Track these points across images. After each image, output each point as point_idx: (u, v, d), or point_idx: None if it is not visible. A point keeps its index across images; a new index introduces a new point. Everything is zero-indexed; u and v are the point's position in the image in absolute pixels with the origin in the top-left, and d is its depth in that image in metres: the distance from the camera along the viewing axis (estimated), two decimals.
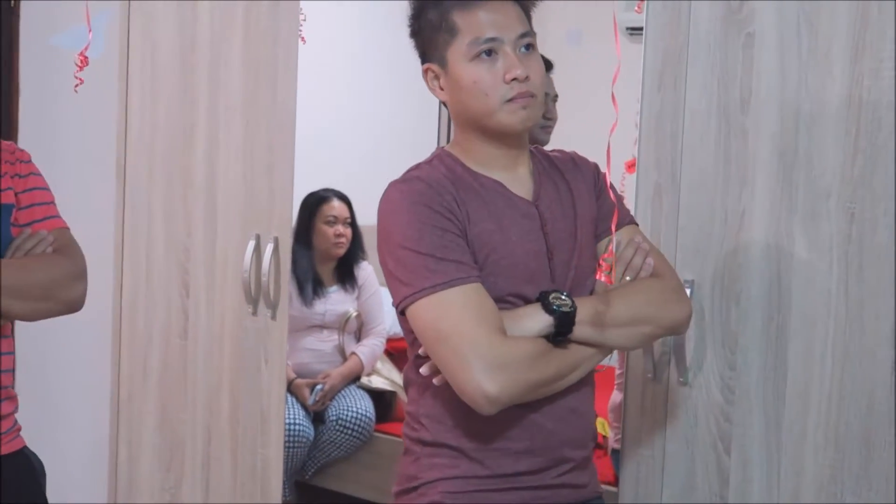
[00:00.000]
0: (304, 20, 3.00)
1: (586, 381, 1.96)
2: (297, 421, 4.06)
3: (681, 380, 2.34)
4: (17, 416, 2.23)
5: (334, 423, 4.19)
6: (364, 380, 4.39)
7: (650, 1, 2.38)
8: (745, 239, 2.25)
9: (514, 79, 1.86)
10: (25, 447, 2.25)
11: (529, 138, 2.90)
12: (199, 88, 3.13)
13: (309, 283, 4.32)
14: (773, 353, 2.22)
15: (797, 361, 2.20)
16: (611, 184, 2.07)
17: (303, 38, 2.97)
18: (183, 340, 3.17)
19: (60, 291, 2.18)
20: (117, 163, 3.29)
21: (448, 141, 4.89)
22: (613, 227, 1.98)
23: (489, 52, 1.87)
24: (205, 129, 3.12)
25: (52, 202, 2.28)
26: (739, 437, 2.28)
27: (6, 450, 2.18)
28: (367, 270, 4.51)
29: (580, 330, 1.84)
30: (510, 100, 1.87)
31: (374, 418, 4.28)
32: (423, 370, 1.88)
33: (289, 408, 4.06)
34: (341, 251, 4.42)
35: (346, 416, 4.20)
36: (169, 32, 3.17)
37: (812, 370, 2.18)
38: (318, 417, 4.24)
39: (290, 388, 4.17)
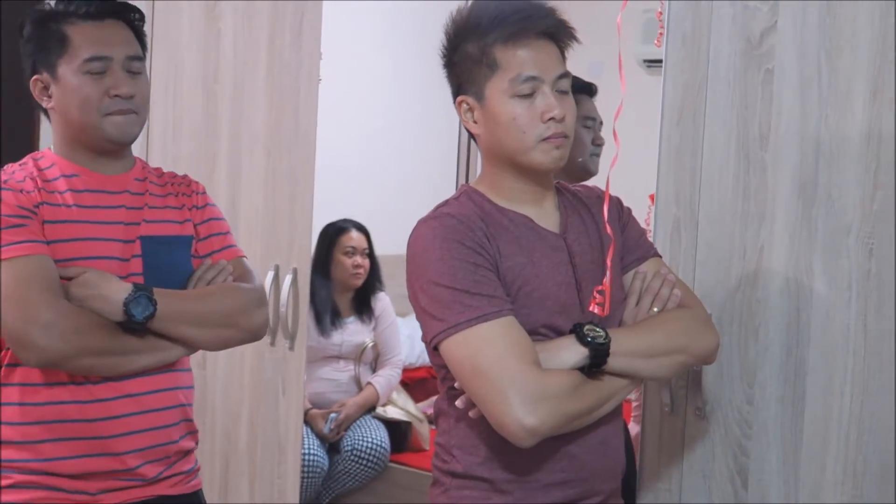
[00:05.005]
0: (322, 58, 3.03)
1: (616, 413, 1.99)
2: (312, 451, 4.07)
3: (698, 413, 2.34)
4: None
5: (349, 453, 4.19)
6: (379, 410, 4.40)
7: (670, 35, 2.39)
8: (763, 274, 2.25)
9: (552, 118, 1.88)
10: (201, 490, 2.31)
11: (581, 168, 2.95)
12: (221, 119, 3.16)
13: (327, 314, 4.34)
14: (792, 388, 2.22)
15: (815, 396, 2.19)
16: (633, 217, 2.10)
17: (320, 77, 3.01)
18: (202, 370, 3.18)
19: (243, 319, 2.23)
20: None
21: (467, 173, 4.97)
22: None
23: (528, 91, 1.88)
24: (226, 160, 3.14)
25: (229, 232, 2.35)
26: (757, 472, 2.27)
27: (185, 490, 2.25)
28: (385, 301, 4.53)
29: (615, 361, 1.86)
30: (545, 139, 1.89)
31: (389, 448, 4.28)
32: (459, 403, 1.89)
33: (304, 438, 4.06)
34: (359, 282, 4.44)
35: (361, 446, 4.20)
36: (193, 63, 3.21)
37: (831, 405, 2.17)
38: (333, 447, 4.24)
39: (306, 418, 4.18)
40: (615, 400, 1.91)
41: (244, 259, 2.34)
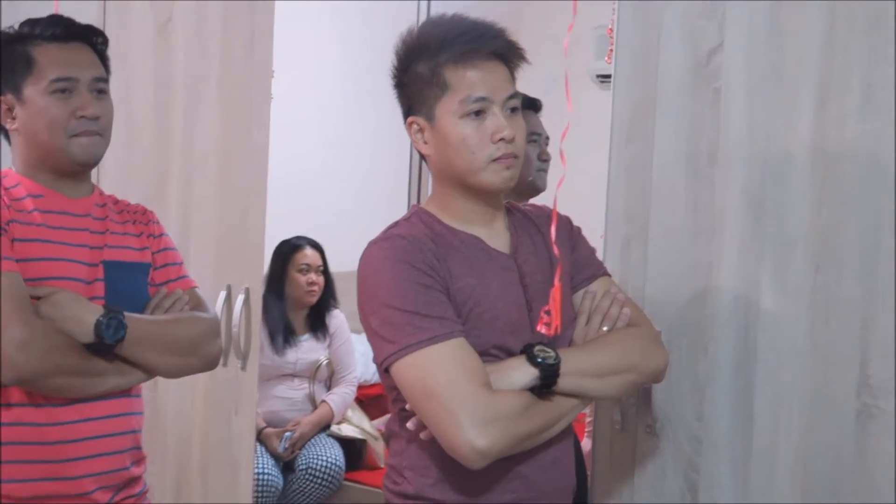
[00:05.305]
0: (274, 76, 3.03)
1: (567, 432, 2.00)
2: (266, 470, 4.05)
3: (648, 430, 2.35)
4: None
5: (304, 471, 4.18)
6: (334, 428, 4.39)
7: (619, 54, 2.41)
8: (713, 290, 2.27)
9: (502, 139, 1.88)
10: None
11: (530, 186, 2.96)
12: (173, 136, 3.14)
13: (280, 332, 4.33)
14: (741, 404, 2.23)
15: (764, 412, 2.21)
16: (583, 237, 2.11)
17: (272, 95, 3.01)
18: (153, 392, 3.15)
19: (202, 348, 2.26)
20: None
21: (419, 190, 4.98)
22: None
23: (478, 112, 1.89)
24: (178, 179, 3.13)
25: (183, 262, 2.38)
26: (707, 488, 2.28)
27: None
28: (339, 318, 4.52)
29: (565, 381, 1.87)
30: (496, 159, 1.89)
31: (343, 467, 4.27)
32: (410, 425, 1.90)
33: (258, 457, 4.04)
34: (314, 299, 4.43)
35: (316, 464, 4.19)
36: (144, 80, 3.19)
37: (779, 421, 2.19)
38: (287, 466, 4.22)
39: (260, 437, 4.16)
40: (566, 420, 1.92)
41: (197, 289, 2.37)
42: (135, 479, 2.25)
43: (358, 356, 4.61)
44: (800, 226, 2.16)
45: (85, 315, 2.05)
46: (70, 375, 2.05)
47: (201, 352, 2.26)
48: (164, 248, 2.34)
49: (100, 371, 2.09)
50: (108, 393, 2.14)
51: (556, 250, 1.99)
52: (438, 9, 4.32)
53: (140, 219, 2.33)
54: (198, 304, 2.32)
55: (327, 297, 4.51)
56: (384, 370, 1.87)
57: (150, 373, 2.19)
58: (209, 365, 2.31)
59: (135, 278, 2.25)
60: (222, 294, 2.99)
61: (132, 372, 2.15)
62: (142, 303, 2.23)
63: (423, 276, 1.85)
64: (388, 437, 2.05)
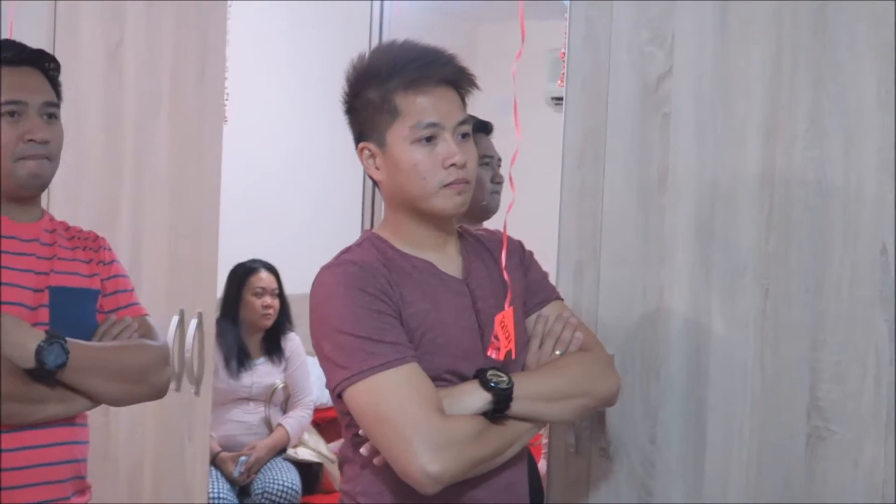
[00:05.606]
0: (227, 98, 3.03)
1: (520, 456, 1.99)
2: (222, 495, 4.02)
3: (602, 453, 2.36)
4: None
5: (260, 496, 4.15)
6: (290, 451, 4.37)
7: (570, 79, 2.42)
8: (664, 314, 2.28)
9: (453, 164, 1.89)
10: None
11: (483, 209, 2.97)
12: (124, 164, 3.12)
13: (235, 356, 4.30)
14: (693, 427, 2.25)
15: (716, 435, 2.22)
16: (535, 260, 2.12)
17: (225, 117, 3.00)
18: (105, 417, 3.12)
19: (151, 376, 2.23)
20: None
21: (373, 212, 4.97)
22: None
23: (429, 138, 1.89)
24: (129, 205, 3.11)
25: (134, 290, 2.35)
26: None
27: None
28: (295, 341, 4.51)
29: (518, 405, 1.87)
30: (447, 185, 1.90)
31: (300, 490, 4.25)
32: (363, 451, 1.89)
33: (213, 481, 4.01)
34: (269, 322, 4.42)
35: (272, 488, 4.16)
36: (94, 107, 3.17)
37: (731, 444, 2.20)
38: (243, 491, 4.20)
39: (216, 462, 4.13)
40: (519, 444, 1.92)
41: (148, 317, 2.34)
42: None
43: (314, 379, 4.59)
44: (749, 251, 2.18)
45: (26, 340, 2.02)
46: (9, 401, 2.02)
47: (149, 380, 2.23)
48: (114, 274, 2.31)
49: (40, 397, 2.06)
50: (49, 420, 2.10)
51: (505, 275, 2.00)
52: (393, 33, 4.34)
53: (91, 245, 2.31)
54: (147, 331, 2.30)
55: (283, 320, 4.49)
56: (337, 396, 1.87)
57: (94, 400, 2.16)
58: (158, 393, 2.28)
59: (82, 305, 2.23)
60: (175, 319, 2.97)
61: (75, 399, 2.12)
62: (89, 330, 2.21)
63: (375, 302, 1.84)
64: (341, 462, 2.05)
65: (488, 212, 3.03)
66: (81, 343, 2.11)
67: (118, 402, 2.25)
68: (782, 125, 2.15)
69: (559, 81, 2.62)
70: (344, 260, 1.92)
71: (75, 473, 2.21)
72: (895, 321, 2.02)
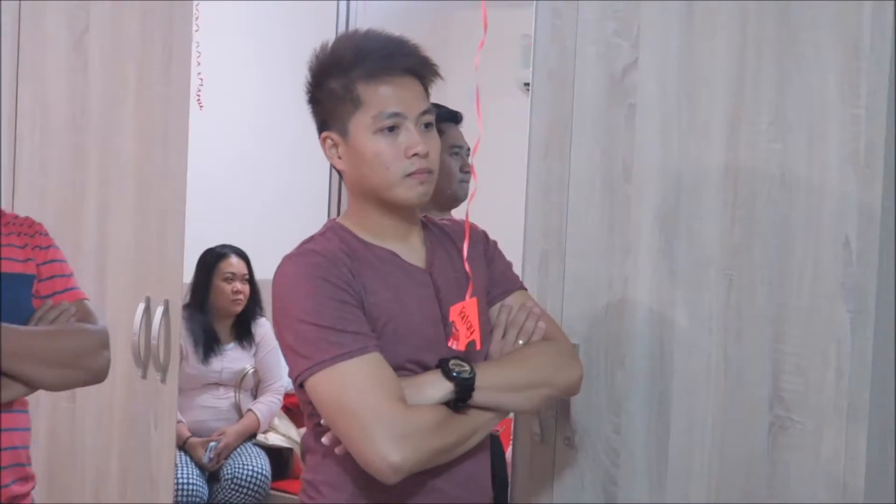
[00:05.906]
0: (202, 85, 3.01)
1: (483, 446, 2.00)
2: (191, 480, 4.01)
3: (567, 442, 2.37)
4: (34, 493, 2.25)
5: (229, 481, 4.15)
6: (260, 437, 4.36)
7: (536, 71, 2.42)
8: (629, 305, 2.29)
9: (416, 154, 1.89)
10: None
11: (450, 197, 2.97)
12: (90, 152, 3.10)
13: (204, 341, 4.29)
14: (657, 417, 2.26)
15: (679, 425, 2.24)
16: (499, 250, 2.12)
17: (200, 104, 2.98)
18: (71, 404, 3.12)
19: (88, 360, 2.21)
20: None
21: (339, 199, 4.95)
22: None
23: (392, 127, 1.89)
24: (95, 193, 3.09)
25: (72, 274, 2.32)
26: (625, 500, 2.30)
27: None
28: (265, 327, 4.50)
29: (480, 395, 1.87)
30: (410, 175, 1.90)
31: (270, 476, 4.25)
32: (325, 440, 1.89)
33: (183, 467, 4.01)
34: (239, 308, 4.41)
35: (242, 474, 4.16)
36: (60, 96, 3.15)
37: (693, 434, 2.22)
38: (213, 476, 4.19)
39: (185, 447, 4.12)
40: (481, 433, 1.92)
41: (86, 301, 2.31)
42: (18, 497, 2.19)
43: (285, 364, 4.57)
44: (713, 243, 2.19)
45: None
46: None
47: (86, 364, 2.20)
48: (50, 259, 2.28)
49: None
50: None
51: (466, 266, 2.00)
52: (360, 22, 4.31)
53: (26, 231, 2.28)
54: (86, 315, 2.26)
55: (253, 306, 4.48)
56: (299, 385, 1.87)
57: (30, 385, 2.12)
58: (96, 378, 2.25)
59: (16, 290, 2.19)
60: (141, 306, 2.97)
61: (10, 385, 2.09)
62: (25, 315, 2.17)
63: (337, 292, 1.84)
64: (303, 451, 2.05)
65: (456, 200, 3.03)
66: (14, 328, 2.09)
67: (54, 386, 2.21)
68: (746, 118, 2.15)
69: (530, 68, 2.62)
70: (306, 249, 1.92)
71: (14, 461, 2.18)
72: (857, 313, 2.04)
